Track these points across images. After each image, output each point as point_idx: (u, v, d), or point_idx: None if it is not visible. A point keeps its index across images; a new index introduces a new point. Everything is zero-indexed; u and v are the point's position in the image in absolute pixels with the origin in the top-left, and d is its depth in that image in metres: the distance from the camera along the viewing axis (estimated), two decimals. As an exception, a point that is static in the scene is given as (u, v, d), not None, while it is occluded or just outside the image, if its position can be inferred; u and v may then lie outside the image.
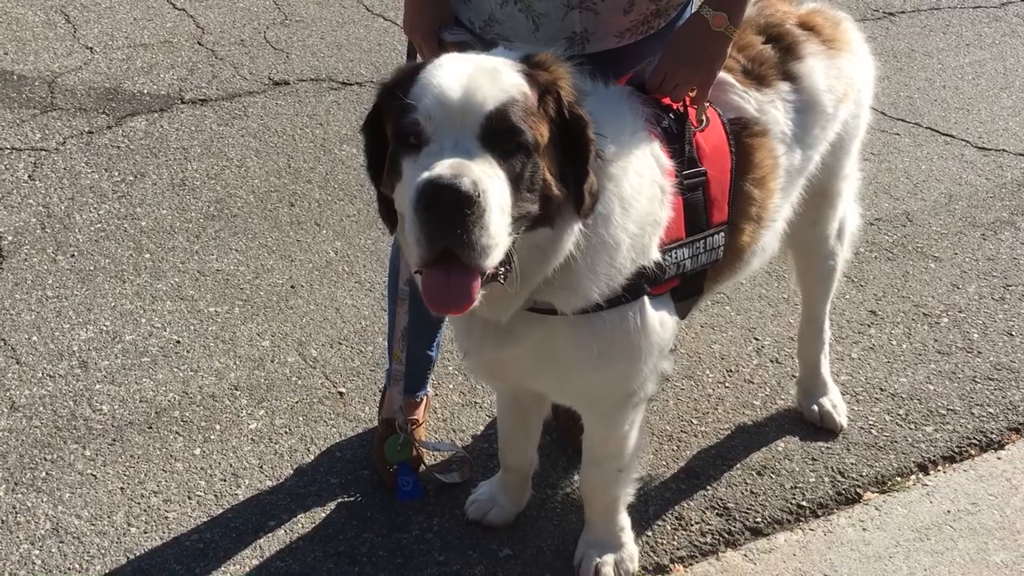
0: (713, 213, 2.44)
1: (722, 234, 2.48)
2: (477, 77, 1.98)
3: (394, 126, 2.04)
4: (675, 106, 2.43)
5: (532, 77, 2.06)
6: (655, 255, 2.31)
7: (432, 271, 1.97)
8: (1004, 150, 5.05)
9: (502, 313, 2.22)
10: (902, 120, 5.27)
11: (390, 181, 2.10)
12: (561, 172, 2.09)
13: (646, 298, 2.34)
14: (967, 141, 5.12)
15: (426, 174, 1.88)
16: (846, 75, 2.79)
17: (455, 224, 1.87)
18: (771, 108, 2.60)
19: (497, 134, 1.96)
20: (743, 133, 2.53)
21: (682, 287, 2.47)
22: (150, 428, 3.24)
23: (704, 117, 2.45)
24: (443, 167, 1.88)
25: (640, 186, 2.25)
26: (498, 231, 1.93)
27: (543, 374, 2.43)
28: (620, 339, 2.33)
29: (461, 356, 2.47)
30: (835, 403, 3.35)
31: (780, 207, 2.71)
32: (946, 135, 5.17)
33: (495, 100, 1.97)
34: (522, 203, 2.00)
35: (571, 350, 2.32)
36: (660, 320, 2.40)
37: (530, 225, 2.05)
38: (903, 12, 6.44)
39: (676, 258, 2.38)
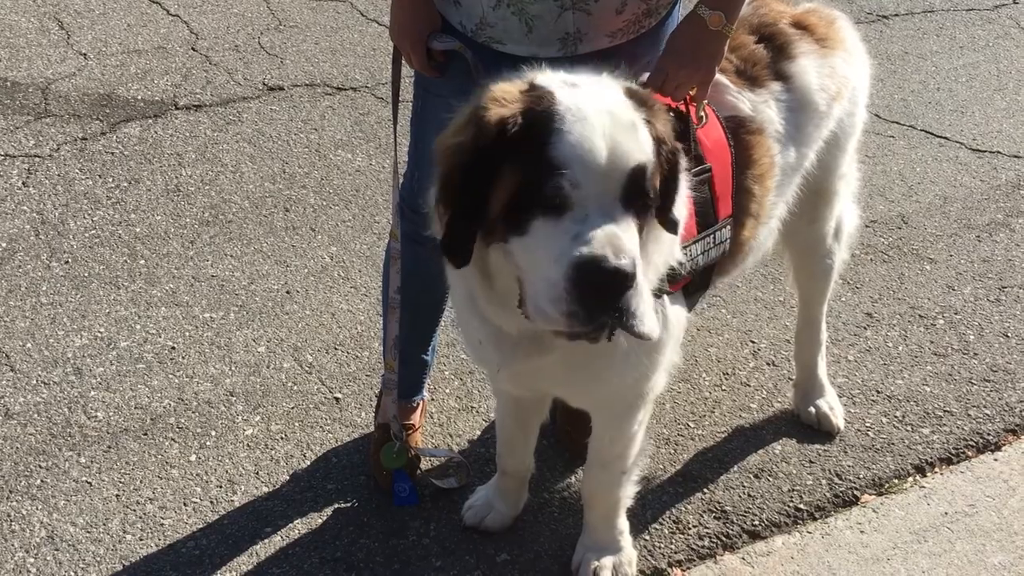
0: (720, 208, 2.47)
1: (728, 228, 2.52)
2: (620, 137, 1.99)
3: (523, 180, 1.99)
4: (674, 105, 2.44)
5: (651, 124, 2.09)
6: (678, 254, 2.34)
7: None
8: (998, 152, 5.06)
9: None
10: (896, 123, 5.28)
11: (504, 229, 2.04)
12: None
13: (665, 296, 2.38)
14: (961, 143, 5.13)
15: (585, 250, 1.91)
16: (840, 73, 2.80)
17: (615, 302, 1.93)
18: (765, 108, 2.63)
19: (635, 196, 2.00)
20: (740, 130, 2.56)
21: (692, 282, 2.50)
22: (145, 435, 3.22)
23: (703, 114, 2.47)
24: (602, 244, 1.91)
25: None
26: (647, 294, 2.03)
27: (571, 379, 2.44)
28: None
29: (494, 371, 2.48)
30: (832, 405, 3.35)
31: (775, 204, 2.74)
32: (940, 137, 5.17)
33: (635, 161, 2.00)
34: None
35: (601, 352, 2.32)
36: (676, 316, 2.45)
37: None
38: (896, 15, 6.46)
39: (692, 254, 2.42)
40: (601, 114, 2.00)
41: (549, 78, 2.13)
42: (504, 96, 2.08)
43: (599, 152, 1.96)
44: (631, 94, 2.13)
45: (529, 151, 1.98)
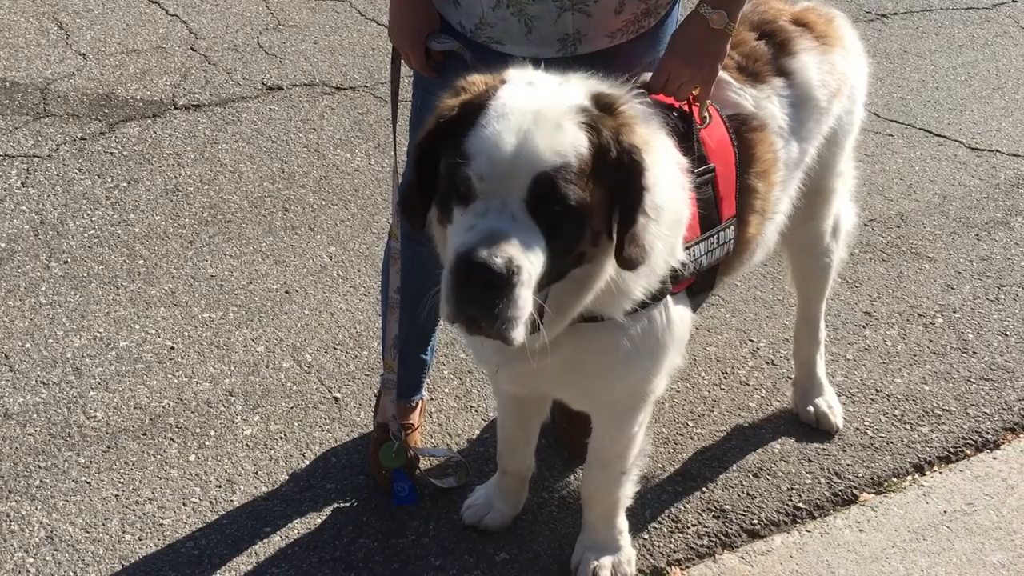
0: (723, 208, 2.47)
1: (732, 228, 2.52)
2: (534, 135, 1.96)
3: (448, 170, 2.03)
4: (677, 105, 2.44)
5: (594, 128, 2.03)
6: (680, 254, 2.33)
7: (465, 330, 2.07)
8: (997, 150, 5.06)
9: (544, 339, 2.18)
10: (895, 121, 5.28)
11: (441, 210, 2.10)
12: (609, 212, 2.09)
13: (669, 297, 2.37)
14: (960, 142, 5.13)
15: (464, 245, 1.92)
16: (839, 70, 2.81)
17: (484, 297, 1.92)
18: (767, 103, 2.64)
19: (543, 200, 1.96)
20: (743, 128, 2.57)
21: (696, 283, 2.50)
22: (144, 435, 3.22)
23: (707, 114, 2.47)
24: (481, 241, 1.91)
25: (669, 186, 2.26)
26: (525, 304, 1.96)
27: (573, 381, 2.44)
28: (648, 339, 2.37)
29: (494, 371, 2.48)
30: (831, 404, 3.35)
31: (779, 199, 2.74)
32: (939, 136, 5.18)
33: (547, 164, 1.96)
34: (560, 262, 2.03)
35: (603, 354, 2.34)
36: (680, 317, 2.45)
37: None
38: (895, 14, 6.45)
39: (695, 255, 2.41)
40: (524, 113, 1.99)
41: (515, 74, 2.15)
42: (465, 87, 2.13)
43: (505, 148, 1.95)
44: (596, 98, 2.11)
45: (455, 142, 2.02)
